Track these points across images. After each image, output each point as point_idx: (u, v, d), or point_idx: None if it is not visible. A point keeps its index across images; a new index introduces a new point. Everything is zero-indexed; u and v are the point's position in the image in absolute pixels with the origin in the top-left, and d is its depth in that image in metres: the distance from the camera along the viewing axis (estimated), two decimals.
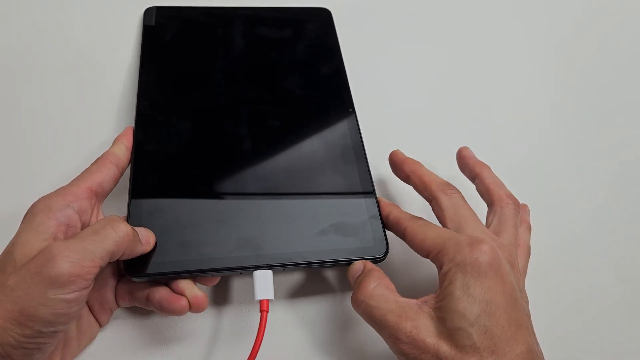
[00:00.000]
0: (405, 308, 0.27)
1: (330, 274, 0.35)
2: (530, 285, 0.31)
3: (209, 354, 0.31)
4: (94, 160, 0.31)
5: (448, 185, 0.32)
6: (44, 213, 0.26)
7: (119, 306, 0.30)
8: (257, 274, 0.30)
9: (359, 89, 0.40)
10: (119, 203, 0.33)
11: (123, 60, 0.43)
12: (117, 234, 0.26)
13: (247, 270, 0.30)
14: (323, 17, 0.45)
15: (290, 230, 0.31)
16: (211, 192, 0.33)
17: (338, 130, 0.37)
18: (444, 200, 0.31)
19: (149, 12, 0.43)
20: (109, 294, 0.30)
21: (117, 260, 0.27)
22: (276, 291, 0.31)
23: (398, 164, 0.35)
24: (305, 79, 0.40)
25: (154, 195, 0.32)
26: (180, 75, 0.39)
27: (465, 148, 0.36)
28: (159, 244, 0.29)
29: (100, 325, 0.30)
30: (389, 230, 0.32)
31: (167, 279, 0.29)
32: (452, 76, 0.47)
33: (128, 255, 0.27)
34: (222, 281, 0.33)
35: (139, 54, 0.39)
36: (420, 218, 0.31)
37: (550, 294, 0.36)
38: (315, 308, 0.33)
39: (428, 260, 0.29)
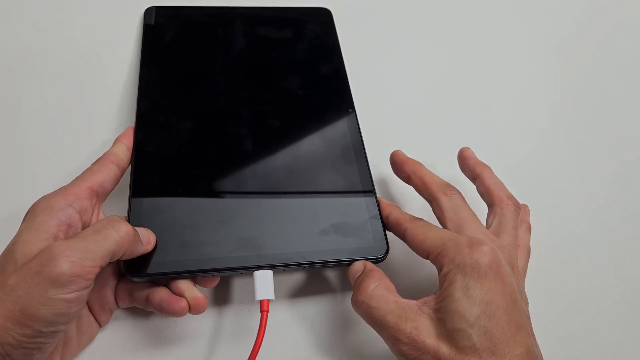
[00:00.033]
0: (405, 309, 0.27)
1: (330, 274, 0.35)
2: (530, 286, 0.31)
3: (209, 354, 0.31)
4: (94, 160, 0.31)
5: (448, 186, 0.32)
6: (45, 212, 0.26)
7: (118, 307, 0.31)
8: (258, 274, 0.30)
9: (359, 89, 0.40)
10: (120, 203, 0.33)
11: (123, 60, 0.43)
12: (118, 234, 0.26)
13: (248, 270, 0.30)
14: (323, 17, 0.45)
15: (291, 230, 0.31)
16: (212, 192, 0.33)
17: (338, 130, 0.37)
18: (444, 201, 0.31)
19: (149, 12, 0.43)
20: (109, 294, 0.30)
21: (118, 261, 0.27)
22: (276, 291, 0.31)
23: (399, 164, 0.35)
24: (305, 78, 0.40)
25: (155, 195, 0.32)
26: (180, 75, 0.39)
27: (467, 149, 0.36)
28: (160, 244, 0.29)
29: (100, 326, 0.30)
30: (389, 231, 0.32)
31: (167, 278, 0.29)
32: (452, 76, 0.47)
33: (129, 255, 0.27)
34: (222, 281, 0.33)
35: (139, 54, 0.40)
36: (421, 219, 0.31)
37: (550, 294, 0.36)
38: (315, 308, 0.33)
39: (428, 261, 0.29)
